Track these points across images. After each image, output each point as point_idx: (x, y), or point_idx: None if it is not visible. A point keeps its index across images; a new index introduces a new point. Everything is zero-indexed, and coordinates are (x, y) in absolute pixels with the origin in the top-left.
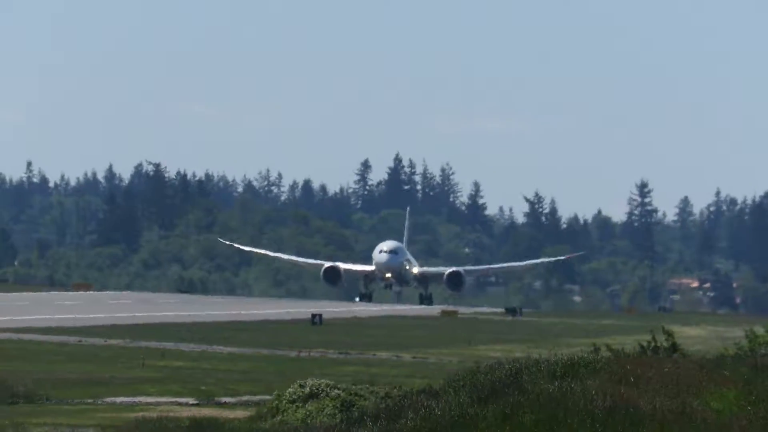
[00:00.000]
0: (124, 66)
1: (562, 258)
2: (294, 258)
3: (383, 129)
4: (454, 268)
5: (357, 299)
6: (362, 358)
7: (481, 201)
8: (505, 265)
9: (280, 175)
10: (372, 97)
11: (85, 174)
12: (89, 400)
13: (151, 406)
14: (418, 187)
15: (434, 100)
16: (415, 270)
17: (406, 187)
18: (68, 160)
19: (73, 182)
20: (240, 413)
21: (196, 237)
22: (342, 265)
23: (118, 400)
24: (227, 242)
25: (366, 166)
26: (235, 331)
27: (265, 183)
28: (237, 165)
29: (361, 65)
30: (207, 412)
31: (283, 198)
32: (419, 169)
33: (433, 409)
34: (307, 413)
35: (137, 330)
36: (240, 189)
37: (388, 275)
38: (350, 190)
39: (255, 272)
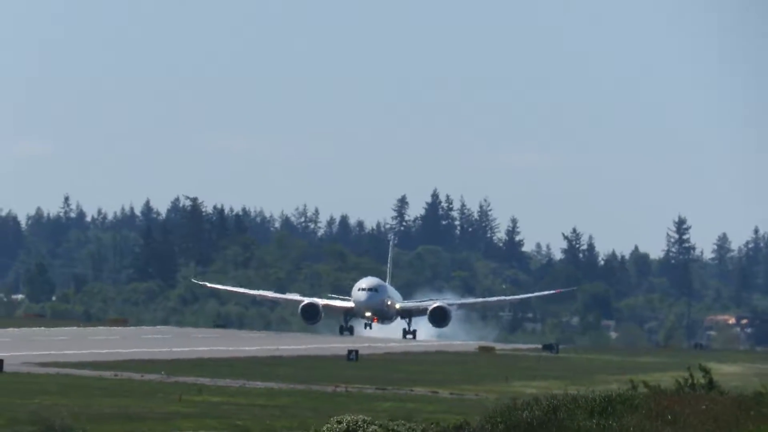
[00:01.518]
0: (161, 100)
1: (552, 292)
2: (270, 294)
3: (421, 164)
4: (437, 303)
5: (344, 333)
6: (399, 393)
7: (518, 237)
8: (491, 299)
9: (317, 211)
10: (410, 133)
11: (122, 208)
12: None
13: None
14: (456, 222)
15: (472, 135)
16: (398, 305)
17: (443, 223)
18: (105, 195)
19: (110, 216)
20: None
21: (234, 272)
22: (321, 302)
23: None
24: (197, 281)
25: (403, 201)
26: (272, 366)
27: (303, 219)
28: (274, 200)
29: (399, 100)
30: None
31: (320, 234)
32: (456, 205)
33: None
34: None
35: (174, 365)
36: (277, 224)
37: (368, 313)
38: (387, 226)
39: (291, 307)
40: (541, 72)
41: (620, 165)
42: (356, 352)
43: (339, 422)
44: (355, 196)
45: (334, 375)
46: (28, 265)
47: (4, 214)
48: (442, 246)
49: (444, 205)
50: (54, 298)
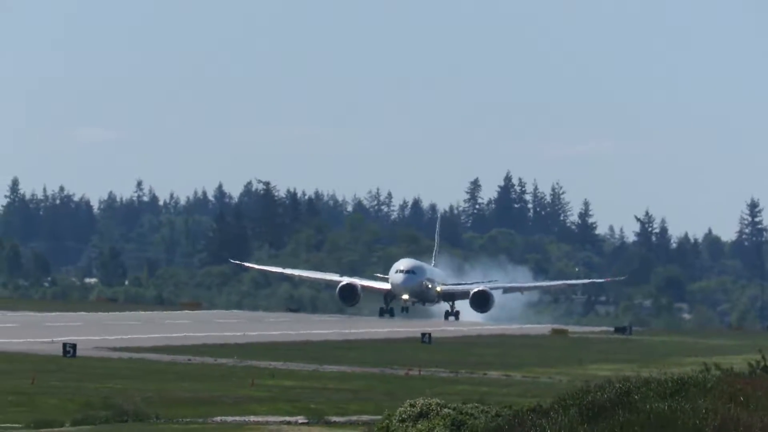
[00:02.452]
0: (234, 85)
1: (600, 281)
2: (309, 274)
3: (494, 148)
4: (481, 287)
5: (384, 315)
6: (472, 377)
7: (591, 220)
8: (538, 284)
9: (390, 194)
10: (483, 116)
11: (195, 192)
12: (199, 419)
13: (261, 426)
14: (529, 206)
15: (544, 118)
16: (439, 288)
17: (516, 206)
18: (178, 179)
19: (182, 201)
20: None
21: (306, 256)
22: (359, 282)
23: (228, 419)
24: (236, 262)
25: (476, 185)
26: (345, 350)
27: (375, 202)
28: (347, 184)
29: (473, 84)
30: (317, 430)
31: (392, 217)
32: (529, 188)
33: (544, 428)
34: None
35: (247, 349)
36: (350, 208)
37: (405, 296)
38: (460, 209)
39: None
40: (612, 58)
41: (693, 148)
42: (429, 335)
43: (412, 405)
44: (427, 180)
45: (408, 358)
46: (100, 250)
47: (77, 198)
48: (515, 229)
49: (517, 188)
50: (127, 283)
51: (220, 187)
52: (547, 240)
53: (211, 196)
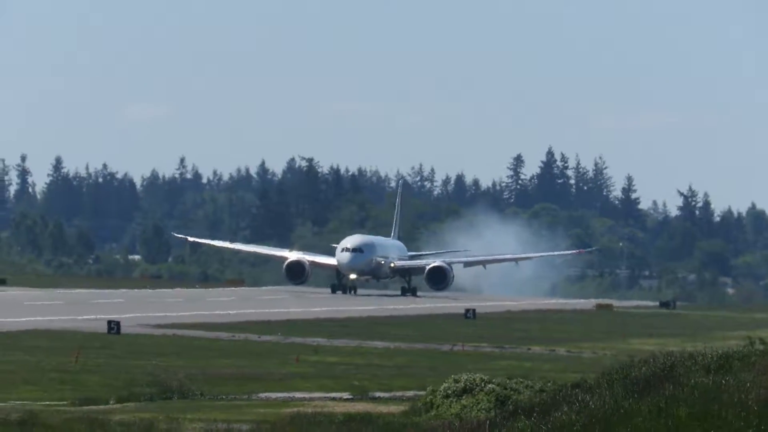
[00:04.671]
0: (277, 61)
1: (572, 252)
2: (257, 249)
3: (536, 123)
4: (437, 262)
5: (336, 292)
6: (516, 352)
7: (634, 195)
8: (502, 256)
9: (433, 170)
10: (525, 91)
11: (238, 169)
12: (243, 396)
13: (305, 402)
14: (571, 181)
15: (586, 94)
16: (392, 264)
17: (559, 181)
18: (221, 156)
19: (225, 178)
20: (394, 408)
21: (349, 232)
22: (308, 258)
23: (272, 395)
24: (180, 235)
25: (519, 160)
26: (389, 326)
27: (418, 178)
28: (390, 160)
29: (514, 59)
30: (361, 407)
31: (436, 193)
32: (572, 163)
33: (588, 403)
34: (462, 408)
35: (290, 325)
36: (393, 184)
37: (353, 276)
38: (503, 185)
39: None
40: (655, 31)
41: (736, 122)
42: (473, 310)
43: (456, 381)
44: (470, 155)
45: (452, 334)
46: (144, 227)
47: (120, 176)
48: (558, 204)
49: (559, 163)
50: (170, 260)
51: (263, 164)
52: (590, 215)
53: (254, 173)
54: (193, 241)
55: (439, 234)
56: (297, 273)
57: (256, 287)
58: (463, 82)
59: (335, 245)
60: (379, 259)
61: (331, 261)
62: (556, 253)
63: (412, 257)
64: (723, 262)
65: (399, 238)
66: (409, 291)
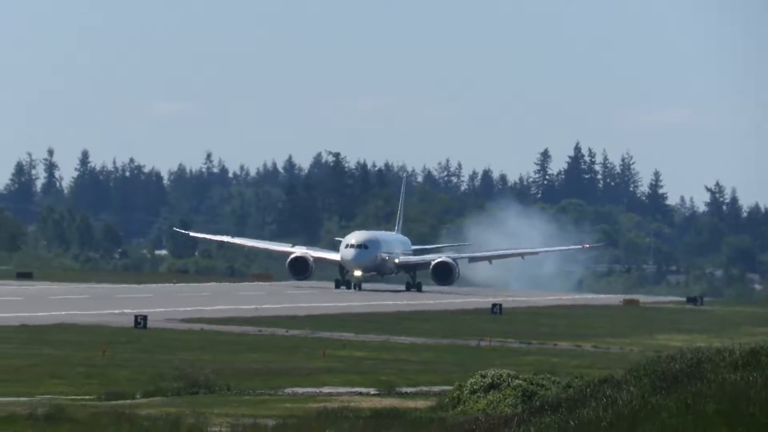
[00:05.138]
0: (304, 56)
1: (578, 247)
2: (260, 244)
3: (563, 118)
4: (442, 258)
5: (340, 287)
6: (542, 347)
7: (661, 190)
8: (507, 251)
9: (459, 165)
10: (552, 86)
11: (265, 164)
12: (270, 391)
13: (332, 397)
14: (599, 176)
15: (614, 89)
16: (397, 260)
17: (586, 177)
18: (248, 151)
19: (252, 172)
20: (421, 403)
21: (376, 227)
22: (312, 253)
23: (300, 390)
24: (179, 229)
25: (546, 155)
26: (416, 321)
27: (445, 173)
28: (417, 155)
29: (542, 55)
30: (388, 402)
31: (462, 188)
32: (599, 159)
33: (615, 399)
34: (489, 403)
35: (317, 320)
36: (420, 179)
37: (357, 272)
38: (530, 180)
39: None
40: (682, 27)
41: (763, 117)
42: (500, 305)
43: (483, 376)
44: (497, 150)
45: (478, 329)
46: (171, 222)
47: (147, 170)
48: (585, 200)
49: (586, 158)
50: (197, 254)
51: (290, 158)
52: (617, 210)
53: (280, 167)
54: (200, 237)
55: (464, 229)
56: (301, 268)
57: (283, 282)
58: (491, 77)
59: (340, 239)
60: (383, 255)
61: (335, 256)
62: (562, 248)
63: (416, 252)
64: (750, 257)
65: (402, 232)
66: (413, 287)
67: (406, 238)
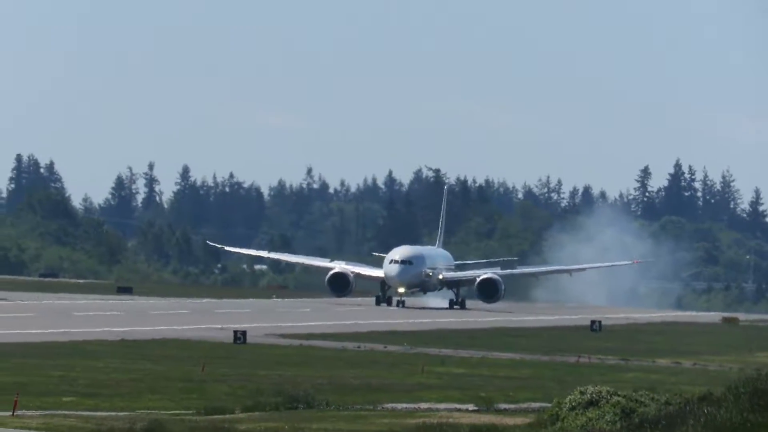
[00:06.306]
0: (407, 72)
1: (628, 262)
2: (297, 259)
3: (664, 135)
4: (488, 274)
5: (381, 304)
6: (641, 364)
7: (761, 208)
8: (552, 268)
9: (560, 182)
10: (652, 103)
11: (365, 180)
12: (369, 406)
13: (431, 412)
14: (698, 193)
15: (715, 105)
16: (441, 276)
17: (686, 194)
18: (348, 166)
19: (353, 188)
20: (519, 420)
21: (476, 244)
22: (353, 269)
23: (398, 406)
24: (213, 243)
25: (646, 172)
26: (515, 337)
27: (545, 189)
28: (517, 171)
29: (642, 71)
30: (486, 418)
31: (563, 205)
32: (699, 176)
33: (714, 416)
34: (587, 420)
35: (416, 336)
36: (520, 195)
37: (401, 289)
38: (630, 197)
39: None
40: None
41: None
42: (599, 322)
43: (582, 393)
44: (598, 167)
45: (577, 346)
46: (270, 237)
47: (247, 185)
48: (685, 217)
49: (686, 175)
50: (296, 270)
51: (390, 174)
52: (716, 228)
53: (381, 183)
54: (234, 252)
55: (564, 246)
56: (341, 285)
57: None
58: (593, 92)
59: (381, 254)
60: (428, 270)
61: (377, 272)
62: (612, 263)
63: (458, 267)
64: None
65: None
66: (457, 303)
67: (448, 253)
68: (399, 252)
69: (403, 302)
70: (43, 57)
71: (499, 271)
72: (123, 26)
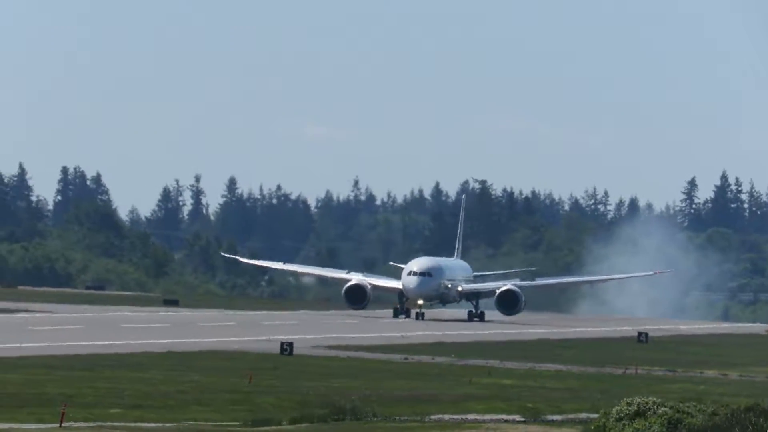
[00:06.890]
0: (452, 83)
1: (651, 273)
2: (314, 270)
3: (710, 147)
4: (508, 285)
5: (399, 317)
6: (688, 375)
7: None
8: (572, 279)
9: (606, 193)
10: (698, 113)
11: (412, 191)
12: (416, 418)
13: (478, 423)
14: (745, 205)
15: (762, 117)
16: (460, 287)
17: (732, 206)
18: (395, 178)
19: (399, 199)
20: (566, 431)
21: (523, 255)
22: (370, 281)
23: (446, 417)
24: (227, 255)
25: (692, 184)
26: (561, 348)
27: (592, 201)
28: (563, 182)
29: (688, 82)
30: (533, 429)
31: (609, 216)
32: (746, 187)
33: (761, 427)
34: (634, 431)
35: (463, 347)
36: (566, 207)
37: (420, 301)
38: (676, 209)
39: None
40: None
41: None
42: (646, 334)
43: (629, 404)
44: (644, 179)
45: (624, 357)
46: (318, 249)
47: (294, 197)
48: (732, 228)
49: (733, 187)
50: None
51: (437, 185)
52: (763, 239)
53: (427, 194)
54: (249, 263)
55: (608, 257)
56: (358, 297)
57: (431, 309)
58: (638, 104)
59: (399, 265)
60: (446, 282)
61: (395, 284)
62: (633, 275)
63: (476, 278)
64: None
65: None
66: (476, 316)
67: (466, 264)
68: (417, 263)
69: (422, 314)
70: (89, 69)
71: (518, 282)
72: (170, 39)
